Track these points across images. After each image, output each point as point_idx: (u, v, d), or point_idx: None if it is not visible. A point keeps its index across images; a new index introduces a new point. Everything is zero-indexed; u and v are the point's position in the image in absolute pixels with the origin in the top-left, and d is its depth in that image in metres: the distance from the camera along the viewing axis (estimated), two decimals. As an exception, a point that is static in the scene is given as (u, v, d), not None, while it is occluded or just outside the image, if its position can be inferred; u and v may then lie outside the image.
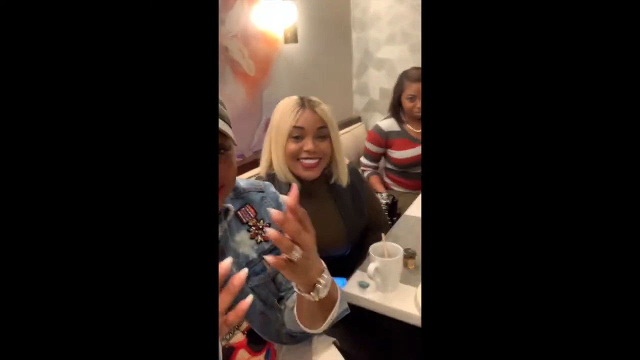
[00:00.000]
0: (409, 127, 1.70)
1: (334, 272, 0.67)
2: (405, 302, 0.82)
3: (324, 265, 0.56)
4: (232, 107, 1.50)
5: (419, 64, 2.02)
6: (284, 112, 0.98)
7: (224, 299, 0.42)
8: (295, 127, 0.96)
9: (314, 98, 1.01)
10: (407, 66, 2.08)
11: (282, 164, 0.99)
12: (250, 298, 0.44)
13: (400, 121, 1.70)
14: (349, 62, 2.27)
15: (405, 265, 0.93)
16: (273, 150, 1.00)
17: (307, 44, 1.87)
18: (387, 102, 1.78)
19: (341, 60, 2.21)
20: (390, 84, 2.13)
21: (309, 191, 1.01)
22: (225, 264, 0.42)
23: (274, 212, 0.45)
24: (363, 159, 1.79)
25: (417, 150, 1.67)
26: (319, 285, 0.53)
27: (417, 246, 1.00)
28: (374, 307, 0.85)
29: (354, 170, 1.16)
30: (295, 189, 0.47)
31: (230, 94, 1.54)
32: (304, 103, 0.98)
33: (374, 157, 1.75)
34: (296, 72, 1.84)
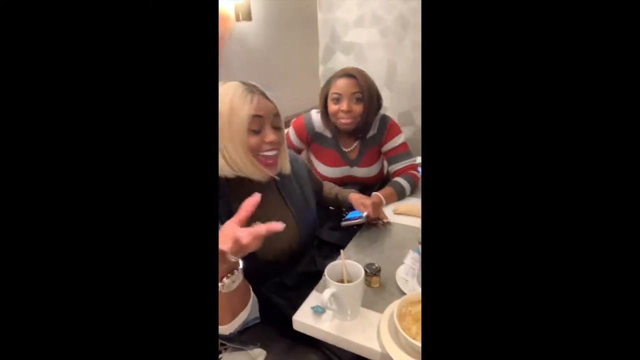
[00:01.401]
0: (339, 141, 1.34)
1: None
2: (367, 332, 0.68)
3: (240, 265, 0.63)
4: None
5: (389, 48, 1.88)
6: (234, 100, 0.80)
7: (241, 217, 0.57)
8: (255, 116, 0.79)
9: (253, 83, 0.85)
10: (377, 51, 1.93)
11: (246, 162, 0.81)
12: (281, 224, 0.54)
13: (331, 129, 1.32)
14: (314, 45, 2.09)
15: (369, 284, 0.79)
16: (230, 147, 0.81)
17: (264, 23, 1.68)
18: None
19: (305, 43, 2.03)
20: (358, 70, 1.99)
21: (260, 192, 0.85)
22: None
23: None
24: None
25: (349, 171, 1.34)
26: (226, 280, 0.61)
27: (381, 259, 0.87)
28: (330, 340, 0.71)
29: (293, 156, 1.02)
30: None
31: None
32: (252, 88, 0.82)
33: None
34: (253, 54, 1.65)
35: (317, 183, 1.16)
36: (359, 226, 1.03)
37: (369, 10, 1.88)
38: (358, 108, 1.21)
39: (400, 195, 1.23)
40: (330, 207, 1.23)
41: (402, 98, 1.91)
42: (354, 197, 1.11)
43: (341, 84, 1.21)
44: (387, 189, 1.22)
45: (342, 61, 2.04)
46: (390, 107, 1.96)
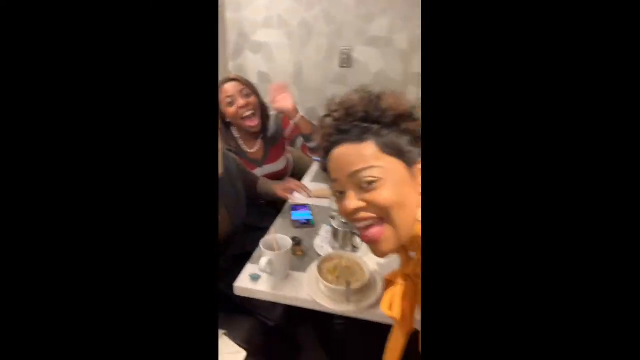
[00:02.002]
0: (243, 144, 1.44)
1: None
2: (297, 288, 0.88)
3: None
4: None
5: (295, 50, 2.07)
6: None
7: None
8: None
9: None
10: (285, 52, 2.11)
11: None
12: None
13: (232, 139, 1.41)
14: (222, 42, 2.17)
15: (294, 253, 1.00)
16: None
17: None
18: (266, 86, 1.79)
19: (216, 40, 2.10)
20: (268, 68, 2.14)
21: None
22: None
23: None
24: None
25: (261, 171, 1.43)
26: None
27: (302, 234, 1.08)
28: (268, 297, 0.89)
29: (226, 154, 1.15)
30: None
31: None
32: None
33: None
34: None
35: (249, 178, 1.28)
36: (307, 222, 1.20)
37: (275, 14, 2.04)
38: (252, 99, 1.37)
39: None
40: (262, 201, 1.38)
41: (309, 96, 2.13)
42: (276, 187, 1.30)
43: (228, 87, 1.34)
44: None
45: (252, 59, 2.17)
46: (298, 103, 2.17)
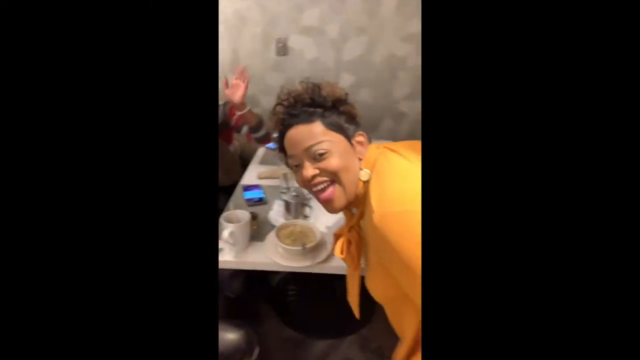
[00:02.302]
0: None
1: None
2: (258, 254, 1.00)
3: None
4: None
5: (232, 40, 2.11)
6: None
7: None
8: None
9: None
10: (221, 42, 2.14)
11: None
12: None
13: None
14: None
15: (251, 227, 1.11)
16: None
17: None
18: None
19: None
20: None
21: None
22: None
23: None
24: None
25: None
26: None
27: (257, 209, 1.19)
28: (233, 266, 1.00)
29: None
30: None
31: None
32: None
33: None
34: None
35: None
36: (260, 200, 1.29)
37: (208, 2, 2.05)
38: None
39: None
40: None
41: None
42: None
43: None
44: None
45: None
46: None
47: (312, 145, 0.66)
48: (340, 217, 1.17)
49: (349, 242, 0.73)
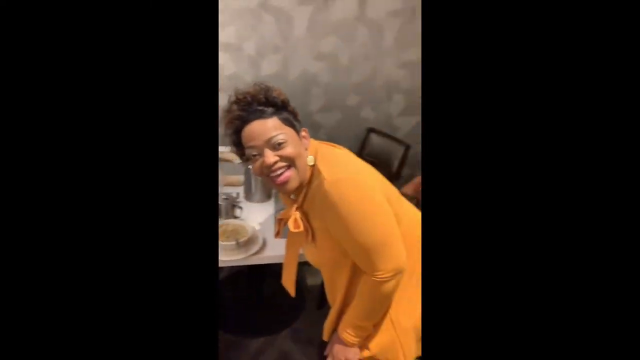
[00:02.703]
0: None
1: None
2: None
3: None
4: None
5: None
6: None
7: None
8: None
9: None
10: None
11: None
12: None
13: None
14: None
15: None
16: None
17: None
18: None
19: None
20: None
21: None
22: None
23: None
24: None
25: None
26: None
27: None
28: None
29: None
30: None
31: None
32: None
33: None
34: None
35: None
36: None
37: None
38: None
39: None
40: None
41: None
42: None
43: None
44: None
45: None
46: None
47: (273, 137, 0.77)
48: (269, 214, 1.28)
49: (303, 216, 0.85)
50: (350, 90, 1.96)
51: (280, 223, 0.91)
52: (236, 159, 1.47)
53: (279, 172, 0.79)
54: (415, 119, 2.08)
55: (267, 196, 1.37)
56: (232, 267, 1.71)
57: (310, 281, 1.83)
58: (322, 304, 1.64)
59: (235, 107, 0.80)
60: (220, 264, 1.04)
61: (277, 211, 1.27)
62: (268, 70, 2.04)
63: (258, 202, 1.35)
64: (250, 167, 0.85)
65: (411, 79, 1.96)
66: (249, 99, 0.78)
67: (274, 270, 1.83)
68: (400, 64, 1.94)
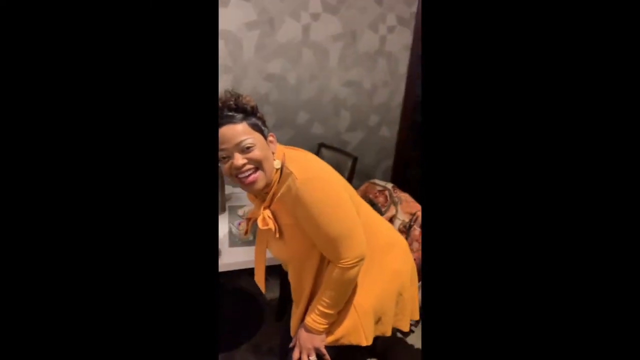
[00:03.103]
0: None
1: None
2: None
3: None
4: None
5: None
6: None
7: None
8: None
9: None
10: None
11: None
12: None
13: None
14: None
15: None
16: None
17: None
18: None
19: None
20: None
21: None
22: None
23: None
24: None
25: None
26: None
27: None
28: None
29: None
30: None
31: None
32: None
33: None
34: None
35: None
36: None
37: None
38: None
39: None
40: None
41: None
42: None
43: None
44: None
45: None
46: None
47: (242, 141, 0.83)
48: (223, 226, 1.32)
49: (271, 214, 0.90)
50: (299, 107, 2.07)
51: (249, 222, 0.97)
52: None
53: (246, 173, 0.85)
54: (362, 134, 2.23)
55: (221, 209, 1.41)
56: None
57: (269, 295, 1.85)
58: (281, 316, 1.67)
59: None
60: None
61: (232, 221, 1.32)
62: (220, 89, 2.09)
63: (213, 215, 1.39)
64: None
65: (356, 96, 2.12)
66: (220, 105, 0.84)
67: (232, 288, 1.83)
68: (345, 82, 2.08)
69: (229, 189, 1.68)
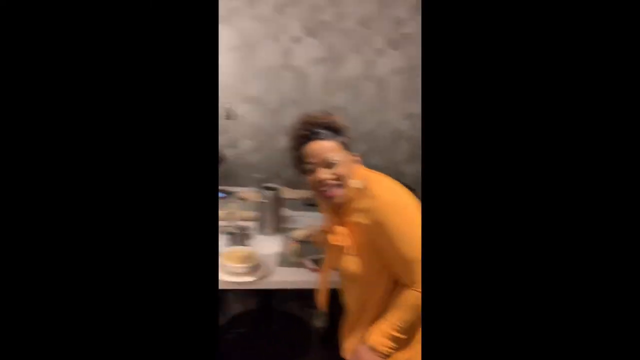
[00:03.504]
0: None
1: None
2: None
3: None
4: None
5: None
6: None
7: None
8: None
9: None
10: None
11: None
12: None
13: None
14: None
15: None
16: None
17: None
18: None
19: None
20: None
21: None
22: None
23: None
24: None
25: None
26: None
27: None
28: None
29: None
30: None
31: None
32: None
33: None
34: None
35: None
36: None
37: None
38: None
39: None
40: None
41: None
42: None
43: None
44: None
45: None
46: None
47: (328, 157, 0.91)
48: (277, 246, 1.40)
49: (350, 230, 0.95)
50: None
51: (321, 235, 1.04)
52: (252, 198, 1.64)
53: (328, 187, 0.92)
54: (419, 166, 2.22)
55: (276, 230, 1.51)
56: (243, 305, 1.81)
57: (317, 323, 1.87)
58: (327, 339, 1.68)
59: (301, 127, 0.95)
60: (231, 286, 1.15)
61: (286, 242, 1.40)
62: (289, 120, 2.25)
63: (267, 235, 1.49)
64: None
65: (414, 129, 2.14)
66: (314, 122, 0.93)
67: (281, 311, 1.89)
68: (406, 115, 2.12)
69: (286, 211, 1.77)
